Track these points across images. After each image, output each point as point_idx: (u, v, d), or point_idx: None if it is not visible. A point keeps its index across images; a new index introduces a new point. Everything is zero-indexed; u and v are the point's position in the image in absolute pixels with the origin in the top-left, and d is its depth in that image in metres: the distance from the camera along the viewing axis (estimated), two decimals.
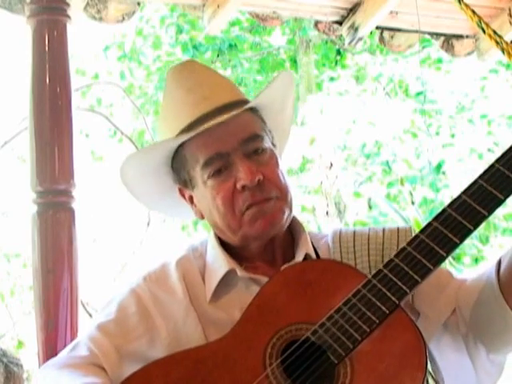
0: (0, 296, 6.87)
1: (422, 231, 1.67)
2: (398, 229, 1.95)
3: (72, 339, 2.35)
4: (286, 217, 1.88)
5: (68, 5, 2.58)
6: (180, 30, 9.85)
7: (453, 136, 10.12)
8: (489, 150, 10.02)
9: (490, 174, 1.66)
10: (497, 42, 3.06)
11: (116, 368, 1.83)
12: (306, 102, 9.80)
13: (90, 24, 3.79)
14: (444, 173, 9.98)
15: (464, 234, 1.63)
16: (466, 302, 1.82)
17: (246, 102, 1.92)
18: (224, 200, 1.84)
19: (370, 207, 9.94)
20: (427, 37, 4.31)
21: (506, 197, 1.64)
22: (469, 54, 4.29)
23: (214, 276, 1.90)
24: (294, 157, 9.48)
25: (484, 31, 3.08)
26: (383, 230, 1.96)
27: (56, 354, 2.32)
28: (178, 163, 1.93)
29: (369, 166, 10.26)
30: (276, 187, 1.86)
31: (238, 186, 1.82)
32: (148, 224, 6.13)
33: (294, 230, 1.96)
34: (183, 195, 1.98)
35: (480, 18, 3.12)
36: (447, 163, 9.94)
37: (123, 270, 6.76)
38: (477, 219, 1.63)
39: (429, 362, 1.60)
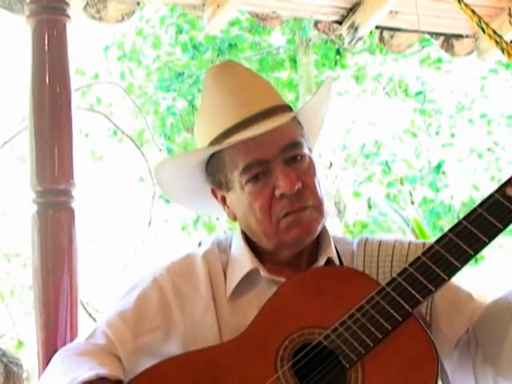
0: (0, 296, 6.87)
1: (437, 242, 1.69)
2: (423, 244, 1.94)
3: (72, 339, 2.35)
4: (319, 227, 1.89)
5: (68, 4, 2.58)
6: (180, 30, 9.85)
7: (452, 136, 10.13)
8: (488, 149, 10.03)
9: (505, 188, 1.68)
10: (496, 42, 3.06)
11: (131, 357, 1.84)
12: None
13: (90, 24, 3.79)
14: (444, 172, 9.99)
15: (479, 246, 1.66)
16: (481, 323, 1.83)
17: (286, 106, 1.92)
18: (262, 207, 1.84)
19: (370, 207, 9.94)
20: (427, 36, 4.31)
21: None
22: (468, 53, 4.29)
23: (236, 273, 1.90)
24: None
25: (484, 31, 3.08)
26: (409, 243, 1.96)
27: (56, 353, 2.34)
28: (214, 165, 1.92)
29: (368, 165, 10.27)
30: (313, 196, 1.86)
31: (277, 193, 1.82)
32: (149, 224, 6.13)
33: (320, 235, 1.95)
34: (215, 195, 1.97)
35: (480, 18, 3.12)
36: (447, 163, 9.95)
37: (125, 270, 6.77)
38: (492, 232, 1.66)
39: (439, 373, 1.60)
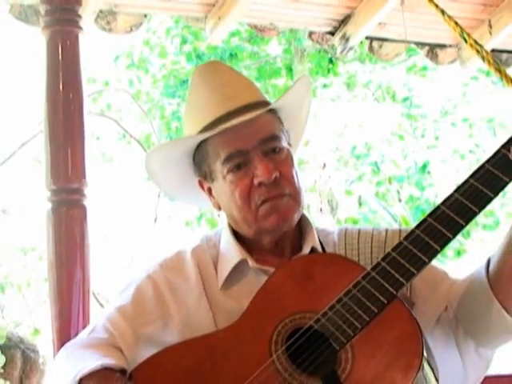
0: (17, 287, 6.86)
1: (418, 227, 1.67)
2: (400, 230, 1.96)
3: (84, 327, 2.35)
4: (296, 215, 1.89)
5: (80, 17, 2.58)
6: (184, 41, 9.84)
7: (437, 138, 10.13)
8: (470, 151, 10.03)
9: (480, 173, 1.66)
10: (477, 51, 3.05)
11: (132, 349, 1.84)
12: None
13: (101, 35, 3.79)
14: (429, 172, 9.98)
15: (457, 229, 1.64)
16: (458, 299, 1.82)
17: (266, 103, 1.93)
18: (241, 194, 1.84)
19: (360, 204, 9.94)
20: (413, 46, 4.31)
21: (496, 195, 1.64)
22: (452, 62, 4.29)
23: (226, 265, 1.90)
24: None
25: (466, 41, 3.08)
26: (386, 231, 1.97)
27: (69, 341, 2.33)
28: (199, 157, 1.92)
29: (359, 166, 10.26)
30: (290, 185, 1.86)
31: (256, 182, 1.83)
32: (155, 220, 6.13)
33: (302, 226, 1.96)
34: (202, 187, 1.97)
35: (462, 29, 3.11)
36: (432, 163, 9.94)
37: (132, 262, 6.77)
38: (468, 216, 1.64)
39: (425, 350, 1.59)
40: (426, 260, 1.64)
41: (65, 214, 2.50)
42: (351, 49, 4.11)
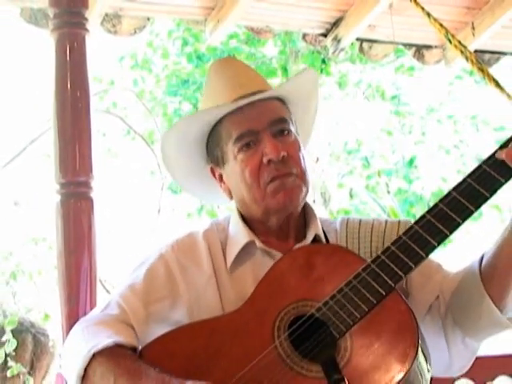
0: (28, 275, 6.85)
1: (417, 222, 1.67)
2: (399, 221, 1.96)
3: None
4: (303, 194, 1.89)
5: (87, 20, 2.58)
6: (185, 42, 9.82)
7: (423, 134, 10.12)
8: (455, 146, 10.02)
9: (477, 174, 1.66)
10: (461, 52, 3.05)
11: (143, 325, 1.83)
12: None
13: (106, 37, 3.79)
14: (416, 166, 9.98)
15: (453, 226, 1.65)
16: (450, 290, 1.83)
17: (274, 91, 1.94)
18: (251, 172, 1.85)
19: (352, 196, 9.93)
20: (401, 47, 4.32)
21: (492, 195, 1.64)
22: (437, 62, 4.29)
23: (234, 246, 1.90)
24: None
25: (450, 42, 3.08)
26: (386, 222, 1.97)
27: None
28: (212, 140, 1.93)
29: (350, 160, 10.25)
30: (297, 165, 1.87)
31: (265, 160, 1.83)
32: (158, 212, 6.13)
33: (307, 214, 1.96)
34: (214, 174, 1.97)
35: (447, 31, 3.11)
36: (418, 158, 9.94)
37: (137, 251, 6.76)
38: (465, 214, 1.64)
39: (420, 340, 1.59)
40: (424, 255, 1.64)
41: (73, 206, 2.50)
42: (343, 50, 4.11)
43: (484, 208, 1.74)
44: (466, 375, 2.79)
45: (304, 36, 4.13)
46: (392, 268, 1.64)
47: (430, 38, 4.09)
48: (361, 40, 4.18)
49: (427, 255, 1.65)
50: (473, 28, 4.00)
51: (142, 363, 1.70)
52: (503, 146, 1.67)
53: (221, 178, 1.96)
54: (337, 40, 4.04)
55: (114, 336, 1.74)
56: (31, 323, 5.94)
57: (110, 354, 1.70)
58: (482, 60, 4.09)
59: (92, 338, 1.75)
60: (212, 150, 1.95)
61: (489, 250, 1.76)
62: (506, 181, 1.65)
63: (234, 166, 1.88)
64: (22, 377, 5.59)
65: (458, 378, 2.78)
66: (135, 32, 3.83)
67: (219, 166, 1.95)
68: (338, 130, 10.04)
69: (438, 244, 1.64)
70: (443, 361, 1.86)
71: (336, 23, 4.00)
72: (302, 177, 1.88)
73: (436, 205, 1.67)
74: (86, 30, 2.58)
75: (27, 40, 7.58)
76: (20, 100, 9.05)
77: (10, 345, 5.54)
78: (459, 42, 3.16)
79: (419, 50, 4.26)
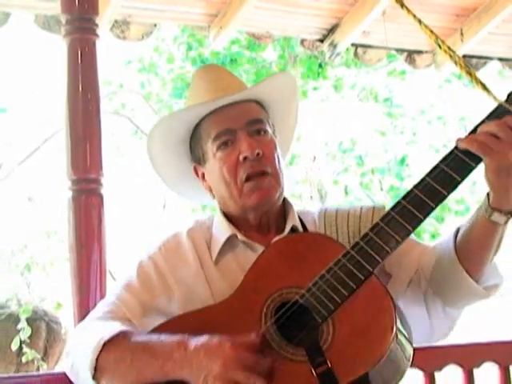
0: (42, 266, 6.86)
1: (393, 209, 1.65)
2: (373, 207, 1.95)
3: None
4: (277, 194, 1.88)
5: (97, 25, 2.57)
6: (190, 47, 9.81)
7: (414, 134, 10.12)
8: (444, 145, 10.01)
9: (449, 159, 1.64)
10: (450, 56, 3.05)
11: (140, 320, 1.82)
12: None
13: (115, 42, 3.79)
14: (407, 165, 9.98)
15: (427, 211, 1.62)
16: (428, 263, 1.81)
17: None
18: (229, 169, 1.84)
19: (347, 193, 9.94)
20: (393, 52, 4.32)
21: (463, 179, 1.62)
22: (427, 66, 4.29)
23: (218, 240, 1.89)
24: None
25: (440, 47, 3.07)
26: (361, 208, 1.96)
27: (88, 313, 2.33)
28: (194, 140, 1.93)
29: (345, 159, 10.25)
30: (271, 165, 1.86)
31: (241, 157, 1.83)
32: (164, 207, 6.13)
33: (285, 208, 1.95)
34: (197, 173, 1.97)
35: (437, 37, 3.11)
36: (410, 157, 9.94)
37: (144, 244, 6.77)
38: (438, 198, 1.62)
39: (398, 319, 1.58)
40: (400, 240, 1.62)
41: (84, 202, 2.50)
42: (338, 54, 4.11)
43: (471, 204, 1.73)
44: (455, 361, 2.80)
45: (302, 41, 4.13)
46: (370, 253, 1.62)
47: (421, 43, 4.09)
48: (356, 45, 4.18)
49: (403, 240, 1.63)
50: (461, 34, 4.00)
51: (153, 334, 1.70)
52: (473, 131, 1.66)
53: (203, 176, 1.96)
54: (333, 45, 4.04)
55: (120, 327, 1.73)
56: (45, 312, 5.95)
57: (120, 340, 1.69)
58: (470, 64, 4.09)
59: (98, 332, 1.74)
60: (194, 149, 1.95)
61: (463, 226, 1.75)
62: (476, 165, 1.63)
63: (214, 164, 1.88)
64: (36, 362, 5.60)
65: (447, 363, 2.78)
66: (142, 37, 3.83)
67: (201, 164, 1.94)
68: (333, 130, 10.04)
69: (414, 229, 1.62)
70: (425, 330, 1.85)
71: (332, 29, 4.01)
72: (276, 176, 1.87)
73: (411, 191, 1.65)
74: (97, 35, 2.57)
75: (41, 45, 7.58)
76: (34, 101, 9.05)
77: (25, 332, 5.55)
78: (448, 48, 3.15)
79: (410, 55, 4.26)
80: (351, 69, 10.02)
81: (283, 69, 9.97)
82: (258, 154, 1.83)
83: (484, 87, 3.14)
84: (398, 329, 1.57)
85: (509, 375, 2.89)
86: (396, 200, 1.68)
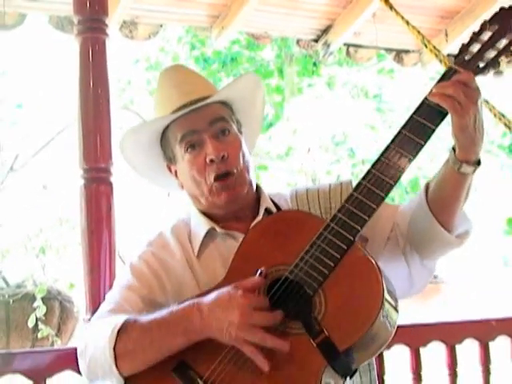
0: (56, 250, 6.86)
1: (364, 179, 1.63)
2: (341, 183, 1.92)
3: (111, 282, 2.35)
4: (245, 191, 1.85)
5: (107, 26, 2.57)
6: (193, 47, 9.80)
7: None
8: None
9: (410, 124, 1.64)
10: (436, 55, 3.05)
11: (142, 314, 1.77)
12: (290, 103, 9.78)
13: (124, 41, 3.78)
14: None
15: (397, 176, 1.61)
16: (403, 221, 1.80)
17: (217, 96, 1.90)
18: (198, 171, 1.82)
19: None
20: (382, 52, 4.32)
21: (426, 141, 1.63)
22: (414, 64, 4.29)
23: (198, 236, 1.86)
24: (282, 145, 9.48)
25: (426, 47, 3.08)
26: (329, 185, 1.93)
27: (99, 295, 2.33)
28: (164, 143, 1.90)
29: (338, 151, 10.25)
30: (237, 164, 1.83)
31: (207, 159, 1.80)
32: (168, 195, 6.12)
33: (259, 194, 1.92)
34: (170, 170, 1.94)
35: (423, 37, 3.11)
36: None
37: (151, 230, 6.76)
38: (404, 165, 1.62)
39: (385, 284, 1.57)
40: (375, 206, 1.60)
41: (94, 189, 2.49)
42: (331, 54, 4.11)
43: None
44: (439, 338, 2.81)
45: (298, 41, 4.13)
46: (349, 224, 1.60)
47: (408, 43, 4.08)
48: (347, 45, 4.17)
49: (378, 206, 1.61)
50: (446, 35, 3.99)
51: (159, 312, 1.67)
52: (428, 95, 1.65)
53: (176, 173, 1.93)
54: (326, 45, 4.04)
55: (126, 317, 1.69)
56: (58, 291, 5.95)
57: (131, 326, 1.66)
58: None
59: (107, 326, 1.69)
60: (165, 150, 1.91)
61: (432, 182, 1.74)
62: (437, 126, 1.63)
63: (183, 166, 1.85)
64: (50, 338, 5.61)
65: (431, 340, 2.79)
66: (149, 37, 3.82)
67: (172, 163, 1.92)
68: (327, 124, 10.04)
69: (386, 194, 1.61)
70: (406, 283, 1.83)
71: (326, 30, 4.00)
72: (242, 175, 1.84)
73: (379, 159, 1.64)
74: (106, 34, 2.57)
75: (55, 44, 7.57)
76: (47, 97, 9.04)
77: (40, 310, 5.56)
78: (434, 47, 3.15)
79: (399, 54, 4.26)
80: (343, 67, 10.02)
81: (280, 67, 9.97)
82: (223, 157, 1.80)
83: None
84: (385, 291, 1.56)
85: (488, 351, 2.90)
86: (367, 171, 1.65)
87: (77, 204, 2.52)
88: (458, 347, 2.84)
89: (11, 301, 5.69)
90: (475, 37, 1.62)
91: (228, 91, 1.90)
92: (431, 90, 1.64)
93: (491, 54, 1.60)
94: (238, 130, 1.90)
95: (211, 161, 1.80)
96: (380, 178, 1.62)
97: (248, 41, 8.98)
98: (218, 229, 1.85)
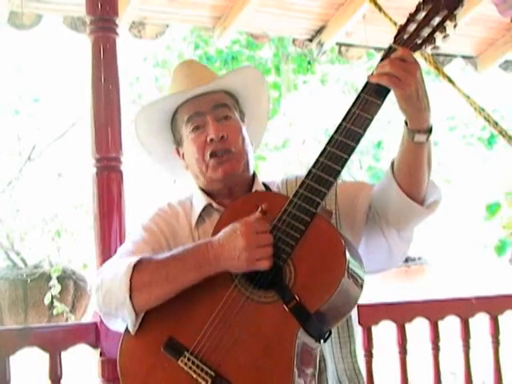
0: (70, 233, 6.87)
1: (321, 155, 1.64)
2: None
3: None
4: (241, 169, 1.86)
5: (117, 26, 2.56)
6: (197, 46, 9.77)
7: (389, 122, 10.09)
8: None
9: (358, 102, 1.65)
10: (421, 53, 3.04)
11: None
12: (286, 98, 9.77)
13: (133, 40, 3.77)
14: (383, 148, 9.99)
15: (350, 150, 1.61)
16: (377, 198, 1.80)
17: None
18: (198, 148, 1.84)
19: None
20: (372, 51, 4.31)
21: (373, 117, 1.65)
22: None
23: (196, 210, 1.89)
24: (279, 137, 9.48)
25: None
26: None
27: None
28: (174, 126, 1.94)
29: None
30: (235, 145, 1.85)
31: (208, 139, 1.83)
32: (174, 182, 6.12)
33: (252, 180, 1.93)
34: (178, 153, 1.96)
35: None
36: (385, 141, 9.95)
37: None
38: (356, 138, 1.63)
39: (348, 250, 1.57)
40: (333, 180, 1.61)
41: (106, 177, 2.49)
42: (325, 52, 4.10)
43: None
44: (423, 314, 2.82)
45: (294, 41, 4.12)
46: (310, 197, 1.60)
47: None
48: (339, 44, 4.16)
49: (335, 179, 1.61)
50: None
51: (172, 250, 1.69)
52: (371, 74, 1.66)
53: (183, 156, 1.95)
54: (320, 44, 4.03)
55: (139, 256, 1.70)
56: (72, 271, 5.95)
57: (147, 262, 1.67)
58: (438, 61, 4.07)
59: (124, 262, 1.70)
60: (174, 133, 1.94)
61: (395, 158, 1.74)
62: (382, 102, 1.64)
63: (188, 145, 1.88)
64: (65, 314, 5.62)
65: (416, 316, 2.80)
66: (156, 37, 3.81)
67: (180, 145, 1.94)
68: (320, 118, 10.03)
69: (342, 168, 1.60)
70: (386, 256, 1.83)
71: (320, 30, 3.99)
72: (239, 154, 1.85)
73: (332, 137, 1.63)
74: (117, 34, 2.56)
75: (68, 43, 7.54)
76: (63, 91, 9.02)
77: (56, 289, 5.57)
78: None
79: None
80: (335, 65, 9.99)
81: (277, 65, 9.94)
82: (222, 137, 1.82)
83: (449, 80, 3.14)
84: (348, 254, 1.56)
85: (468, 327, 2.91)
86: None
87: (89, 191, 2.53)
88: (440, 323, 2.85)
89: (29, 280, 5.70)
90: (411, 17, 1.63)
91: (229, 77, 1.92)
92: (373, 71, 1.65)
93: (427, 31, 1.61)
94: (240, 118, 1.92)
95: (211, 140, 1.82)
96: (335, 153, 1.61)
97: (248, 40, 8.95)
98: (214, 205, 1.87)
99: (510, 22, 3.47)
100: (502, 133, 3.19)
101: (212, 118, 1.85)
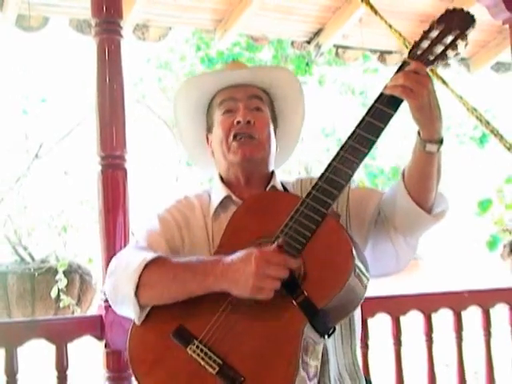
0: (76, 228, 6.88)
1: (334, 160, 1.63)
2: None
3: None
4: (260, 156, 1.85)
5: (121, 28, 2.55)
6: (199, 48, 9.76)
7: None
8: (409, 131, 10.02)
9: (372, 111, 1.65)
10: None
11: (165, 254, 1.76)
12: None
13: (137, 42, 3.77)
14: (377, 147, 9.98)
15: (360, 158, 1.61)
16: (386, 204, 1.79)
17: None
18: (224, 129, 1.83)
19: None
20: (368, 53, 4.30)
21: (386, 125, 1.64)
22: (397, 64, 4.25)
23: (215, 201, 1.86)
24: None
25: (407, 48, 3.05)
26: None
27: None
28: (209, 112, 1.92)
29: (327, 141, 10.25)
30: (260, 133, 1.84)
31: (235, 121, 1.82)
32: (176, 180, 6.11)
33: (272, 175, 1.92)
34: (208, 141, 1.94)
35: (405, 39, 3.10)
36: (380, 140, 9.94)
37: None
38: (368, 145, 1.62)
39: (355, 251, 1.57)
40: (344, 183, 1.60)
41: (111, 174, 2.49)
42: (322, 54, 4.10)
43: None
44: (417, 307, 2.82)
45: (292, 43, 4.11)
46: (322, 198, 1.60)
47: (391, 45, 4.07)
48: (337, 46, 4.16)
49: (347, 183, 1.61)
50: None
51: (189, 257, 1.67)
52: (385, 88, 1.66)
53: (211, 143, 1.93)
54: (318, 46, 4.02)
55: (155, 254, 1.69)
56: (78, 265, 5.95)
57: (161, 261, 1.66)
58: None
59: (139, 256, 1.68)
60: (208, 119, 1.94)
61: (407, 166, 1.73)
62: (395, 111, 1.64)
63: (217, 129, 1.87)
64: (71, 307, 5.62)
65: (410, 309, 2.80)
66: (159, 39, 3.81)
67: (210, 132, 1.92)
68: (318, 118, 10.03)
69: (353, 173, 1.60)
70: (393, 260, 1.83)
71: (317, 33, 3.99)
72: (261, 142, 1.84)
73: (346, 142, 1.63)
74: (121, 36, 2.55)
75: (75, 44, 7.54)
76: (69, 91, 9.02)
77: (62, 282, 5.58)
78: None
79: (382, 55, 4.24)
80: (333, 66, 9.99)
81: None
82: (248, 122, 1.82)
83: (443, 81, 3.13)
84: (355, 256, 1.56)
85: (461, 319, 2.91)
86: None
87: (95, 187, 2.52)
88: (433, 316, 2.85)
89: (36, 274, 5.70)
90: (425, 35, 1.66)
91: (272, 69, 1.96)
92: (387, 84, 1.65)
93: (439, 48, 1.64)
94: (270, 117, 1.91)
95: (238, 122, 1.82)
96: (348, 158, 1.62)
97: (248, 42, 8.94)
98: (234, 197, 1.85)
99: (501, 24, 3.46)
100: (494, 132, 3.18)
101: (244, 105, 1.84)
